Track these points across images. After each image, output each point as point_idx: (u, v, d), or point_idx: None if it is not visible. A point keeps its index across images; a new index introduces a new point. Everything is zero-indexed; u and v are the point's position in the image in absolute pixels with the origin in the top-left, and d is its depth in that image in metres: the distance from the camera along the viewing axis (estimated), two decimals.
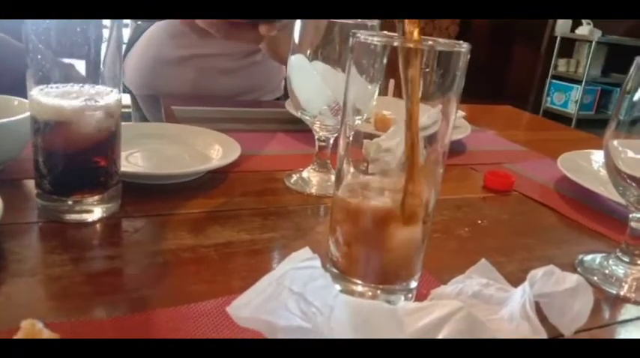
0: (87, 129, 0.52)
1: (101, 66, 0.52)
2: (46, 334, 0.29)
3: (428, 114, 0.97)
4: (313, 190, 0.69)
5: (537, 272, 0.43)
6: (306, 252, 0.37)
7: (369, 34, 0.44)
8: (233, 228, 0.56)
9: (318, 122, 0.68)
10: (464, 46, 0.42)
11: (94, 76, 0.52)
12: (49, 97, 0.50)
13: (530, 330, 0.39)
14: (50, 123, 0.51)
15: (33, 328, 0.29)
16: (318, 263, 0.37)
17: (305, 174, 0.72)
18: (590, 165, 0.83)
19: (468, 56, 0.42)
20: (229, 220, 0.58)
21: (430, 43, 0.42)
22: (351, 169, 0.48)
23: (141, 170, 0.66)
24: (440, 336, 0.34)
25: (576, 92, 5.17)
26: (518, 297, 0.42)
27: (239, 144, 0.72)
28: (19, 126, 0.59)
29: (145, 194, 0.61)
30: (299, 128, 0.91)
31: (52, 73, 0.50)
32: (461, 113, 1.00)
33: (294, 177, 0.72)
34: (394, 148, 0.78)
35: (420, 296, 0.46)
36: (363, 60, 0.46)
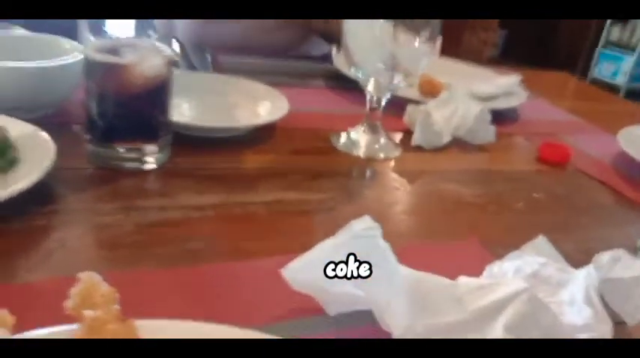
0: (142, 74, 0.50)
1: None
2: (104, 287, 0.28)
3: (496, 85, 0.93)
4: (361, 152, 0.67)
5: (603, 256, 0.40)
6: (367, 220, 0.35)
7: None
8: (282, 186, 0.55)
9: (372, 80, 0.65)
10: None
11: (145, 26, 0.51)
12: (105, 39, 0.49)
13: (594, 316, 0.37)
14: (105, 66, 0.50)
15: (91, 280, 0.28)
16: (378, 232, 0.35)
17: (353, 135, 0.69)
18: None
19: None
20: (278, 178, 0.56)
21: None
22: None
23: (190, 121, 0.65)
24: (502, 317, 0.33)
25: (628, 62, 4.93)
26: (582, 280, 0.40)
27: (287, 100, 0.71)
28: (71, 68, 0.58)
29: (193, 146, 0.60)
30: (347, 85, 0.88)
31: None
32: (516, 78, 0.95)
33: (342, 137, 0.70)
34: (447, 118, 0.75)
35: (476, 271, 0.44)
36: None
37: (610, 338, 0.36)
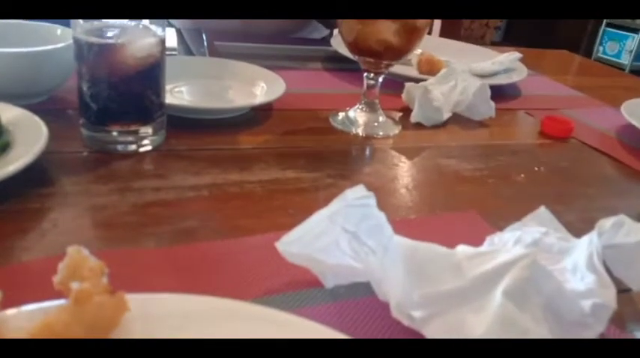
0: (133, 53, 0.50)
1: None
2: (92, 261, 0.28)
3: (496, 61, 0.92)
4: (359, 130, 0.66)
5: (606, 222, 0.39)
6: (360, 189, 0.34)
7: None
8: (278, 166, 0.54)
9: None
10: None
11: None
12: (94, 22, 0.49)
13: (598, 283, 0.36)
14: (95, 47, 0.49)
15: (79, 254, 0.28)
16: (372, 201, 0.35)
17: (351, 113, 0.69)
18: None
19: None
20: (274, 157, 0.56)
21: None
22: None
23: (185, 103, 0.64)
24: (503, 283, 0.32)
25: (632, 41, 4.88)
26: (584, 247, 0.39)
27: (284, 81, 0.70)
28: (63, 54, 0.58)
29: (189, 128, 0.59)
30: (345, 67, 0.87)
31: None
32: (516, 55, 0.94)
33: (340, 116, 0.69)
34: (447, 94, 0.74)
35: (476, 242, 0.43)
36: None
37: (614, 304, 0.35)
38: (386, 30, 0.59)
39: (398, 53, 0.62)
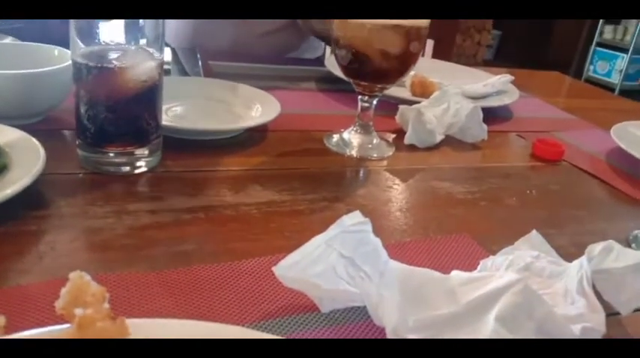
0: (132, 77, 0.50)
1: (141, 21, 0.50)
2: (94, 287, 0.28)
3: (488, 84, 0.93)
4: (354, 152, 0.67)
5: (596, 247, 0.40)
6: (357, 215, 0.35)
7: None
8: (274, 188, 0.55)
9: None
10: None
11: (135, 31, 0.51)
12: (94, 45, 0.49)
13: (588, 307, 0.37)
14: (94, 70, 0.50)
15: (81, 280, 0.28)
16: (368, 227, 0.35)
17: (346, 135, 0.70)
18: None
19: None
20: (270, 179, 0.56)
21: None
22: None
23: (181, 124, 0.65)
24: (496, 309, 0.32)
25: (621, 61, 4.95)
26: (574, 272, 0.40)
27: (279, 103, 0.71)
28: (59, 75, 0.58)
29: (184, 149, 0.60)
30: (339, 88, 0.88)
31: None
32: (508, 77, 0.96)
33: (335, 138, 0.70)
34: (439, 116, 0.75)
35: (469, 265, 0.44)
36: None
37: (604, 328, 0.36)
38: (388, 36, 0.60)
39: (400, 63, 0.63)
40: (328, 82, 0.93)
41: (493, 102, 0.89)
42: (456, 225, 0.52)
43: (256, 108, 0.72)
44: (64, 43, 0.63)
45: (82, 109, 0.51)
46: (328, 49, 1.39)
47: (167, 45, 1.15)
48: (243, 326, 0.34)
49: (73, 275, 0.28)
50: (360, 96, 0.67)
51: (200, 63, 0.92)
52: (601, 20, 5.07)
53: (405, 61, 0.63)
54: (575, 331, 0.35)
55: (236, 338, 0.29)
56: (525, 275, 0.41)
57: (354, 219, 0.35)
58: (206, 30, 1.13)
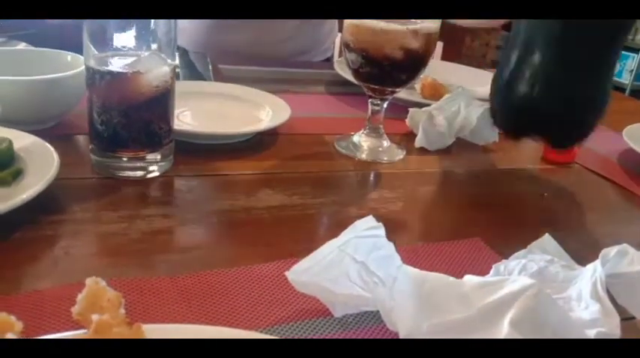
0: (146, 83, 0.51)
1: (152, 25, 0.51)
2: (110, 292, 0.28)
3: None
4: (364, 155, 0.67)
5: (610, 251, 0.40)
6: (370, 220, 0.35)
7: None
8: (285, 192, 0.55)
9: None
10: None
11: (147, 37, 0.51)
12: (107, 51, 0.50)
13: (602, 312, 0.37)
14: (107, 76, 0.50)
15: (97, 286, 0.28)
16: (382, 232, 0.35)
17: (356, 138, 0.70)
18: None
19: None
20: (281, 183, 0.56)
21: None
22: None
23: (192, 129, 0.65)
24: (509, 313, 0.32)
25: (632, 61, 4.91)
26: (588, 276, 0.40)
27: (289, 106, 0.71)
28: (73, 81, 0.59)
29: (196, 154, 0.60)
30: (349, 91, 0.88)
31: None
32: None
33: (345, 141, 0.70)
34: (450, 119, 0.75)
35: (482, 269, 0.44)
36: None
37: (618, 332, 0.36)
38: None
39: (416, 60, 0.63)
40: (338, 85, 0.93)
41: None
42: (467, 228, 0.52)
43: (266, 111, 0.72)
44: (78, 49, 0.64)
45: (95, 114, 0.52)
46: (336, 51, 1.39)
47: (178, 48, 1.16)
48: (256, 330, 0.34)
49: (89, 281, 0.28)
50: (370, 100, 0.67)
51: (210, 66, 0.93)
52: None
53: (415, 65, 0.63)
54: (590, 335, 0.35)
55: (248, 338, 0.29)
56: (539, 280, 0.41)
57: (367, 224, 0.35)
58: (219, 35, 1.13)
